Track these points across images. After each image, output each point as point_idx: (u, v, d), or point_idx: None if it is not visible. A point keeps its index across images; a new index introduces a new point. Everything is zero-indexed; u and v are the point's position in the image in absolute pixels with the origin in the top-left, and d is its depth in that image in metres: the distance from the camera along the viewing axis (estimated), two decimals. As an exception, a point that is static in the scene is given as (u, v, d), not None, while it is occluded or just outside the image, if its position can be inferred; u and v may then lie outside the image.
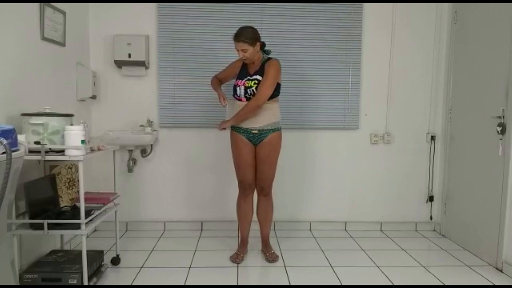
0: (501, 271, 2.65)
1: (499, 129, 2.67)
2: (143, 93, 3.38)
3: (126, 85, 3.37)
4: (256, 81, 2.61)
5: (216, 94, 2.83)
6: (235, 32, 2.56)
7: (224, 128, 2.70)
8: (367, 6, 3.39)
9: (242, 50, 2.55)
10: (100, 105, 3.36)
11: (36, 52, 2.49)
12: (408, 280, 2.51)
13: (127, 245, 3.07)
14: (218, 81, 2.85)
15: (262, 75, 2.60)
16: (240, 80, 2.66)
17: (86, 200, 2.19)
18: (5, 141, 1.44)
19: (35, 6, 2.46)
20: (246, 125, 2.64)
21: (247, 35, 2.54)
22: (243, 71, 2.69)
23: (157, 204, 3.47)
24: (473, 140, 3.04)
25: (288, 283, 2.44)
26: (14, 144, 1.59)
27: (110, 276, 2.52)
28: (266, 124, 2.65)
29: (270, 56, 2.71)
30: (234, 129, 2.70)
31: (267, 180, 2.75)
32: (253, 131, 2.65)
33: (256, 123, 2.63)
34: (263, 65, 2.63)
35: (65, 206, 2.41)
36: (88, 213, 2.21)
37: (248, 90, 2.61)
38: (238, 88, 2.64)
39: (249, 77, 2.64)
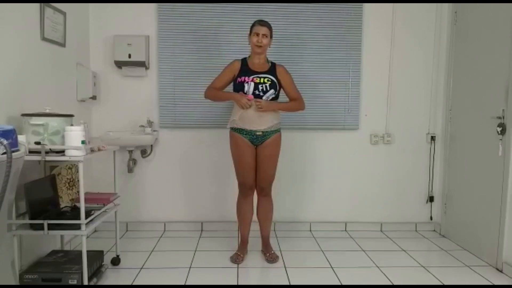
0: (501, 271, 2.65)
1: (499, 129, 2.68)
2: (143, 94, 3.38)
3: (126, 86, 3.37)
4: (269, 80, 2.64)
5: (226, 100, 2.86)
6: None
7: (262, 109, 2.59)
8: (367, 6, 3.39)
9: (264, 35, 2.62)
10: (100, 106, 3.36)
11: (36, 52, 2.49)
12: (408, 280, 2.51)
13: (127, 245, 3.07)
14: (217, 90, 2.75)
15: (273, 75, 2.67)
16: (247, 77, 2.64)
17: (86, 200, 2.19)
18: (5, 142, 1.45)
19: (35, 6, 2.46)
20: (250, 127, 2.64)
21: (270, 26, 2.68)
22: (246, 69, 2.68)
23: (157, 204, 3.47)
24: (473, 140, 3.04)
25: (288, 284, 2.45)
26: (14, 144, 1.59)
27: (110, 276, 2.52)
28: (270, 125, 2.66)
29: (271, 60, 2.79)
30: (236, 130, 2.70)
31: (267, 180, 2.75)
32: (257, 133, 2.65)
33: (261, 125, 2.64)
34: (273, 67, 2.71)
35: (65, 206, 2.41)
36: (88, 213, 2.21)
37: (259, 86, 2.62)
38: (246, 84, 2.62)
39: (258, 75, 2.64)
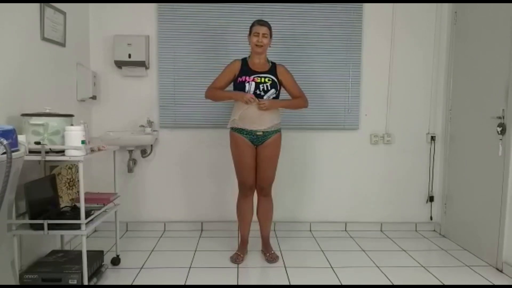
0: (501, 271, 2.65)
1: (499, 129, 2.68)
2: (143, 94, 3.38)
3: (126, 86, 3.37)
4: (270, 79, 2.64)
5: (228, 100, 2.81)
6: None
7: (266, 108, 2.59)
8: (367, 6, 3.39)
9: (264, 34, 2.62)
10: (100, 106, 3.36)
11: (37, 52, 2.49)
12: (408, 280, 2.51)
13: (127, 245, 3.07)
14: (218, 90, 2.73)
15: (274, 75, 2.68)
16: (248, 77, 2.64)
17: (86, 200, 2.19)
18: (5, 141, 1.45)
19: (35, 6, 2.46)
20: (250, 127, 2.63)
21: (269, 25, 2.68)
22: (246, 69, 2.68)
23: (157, 204, 3.47)
24: (473, 140, 3.04)
25: (288, 283, 2.45)
26: (14, 144, 1.59)
27: (110, 276, 2.52)
28: (270, 125, 2.66)
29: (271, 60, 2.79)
30: (236, 130, 2.69)
31: (267, 180, 2.75)
32: (258, 133, 2.65)
33: (261, 125, 2.63)
34: (273, 67, 2.71)
35: (65, 206, 2.41)
36: (88, 213, 2.21)
37: (260, 86, 2.62)
38: (247, 84, 2.62)
39: (259, 75, 2.65)
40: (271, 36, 2.69)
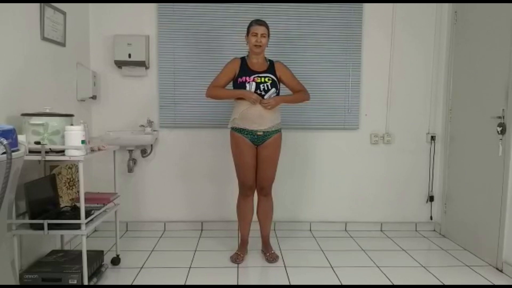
0: (501, 271, 2.65)
1: (499, 129, 2.68)
2: (143, 93, 3.38)
3: (126, 85, 3.37)
4: (270, 79, 2.64)
5: (231, 98, 2.73)
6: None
7: (272, 107, 2.60)
8: (367, 6, 3.39)
9: (262, 34, 2.62)
10: (100, 105, 3.36)
11: (36, 52, 2.49)
12: (408, 280, 2.51)
13: (127, 245, 3.07)
14: (222, 88, 2.72)
15: (273, 74, 2.68)
16: (248, 77, 2.64)
17: (86, 200, 2.19)
18: (5, 141, 1.44)
19: (35, 6, 2.46)
20: (251, 126, 2.63)
21: (267, 25, 2.67)
22: (246, 69, 2.68)
23: (157, 204, 3.47)
24: (473, 140, 3.04)
25: (288, 283, 2.45)
26: (14, 144, 1.59)
27: (110, 276, 2.52)
28: (271, 125, 2.66)
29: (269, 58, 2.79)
30: (237, 130, 2.69)
31: (268, 180, 2.75)
32: (258, 133, 2.65)
33: (262, 125, 2.63)
34: (271, 66, 2.71)
35: (65, 206, 2.41)
36: (88, 213, 2.21)
37: (261, 86, 2.62)
38: (248, 84, 2.62)
39: (258, 74, 2.64)
40: (269, 36, 2.68)
